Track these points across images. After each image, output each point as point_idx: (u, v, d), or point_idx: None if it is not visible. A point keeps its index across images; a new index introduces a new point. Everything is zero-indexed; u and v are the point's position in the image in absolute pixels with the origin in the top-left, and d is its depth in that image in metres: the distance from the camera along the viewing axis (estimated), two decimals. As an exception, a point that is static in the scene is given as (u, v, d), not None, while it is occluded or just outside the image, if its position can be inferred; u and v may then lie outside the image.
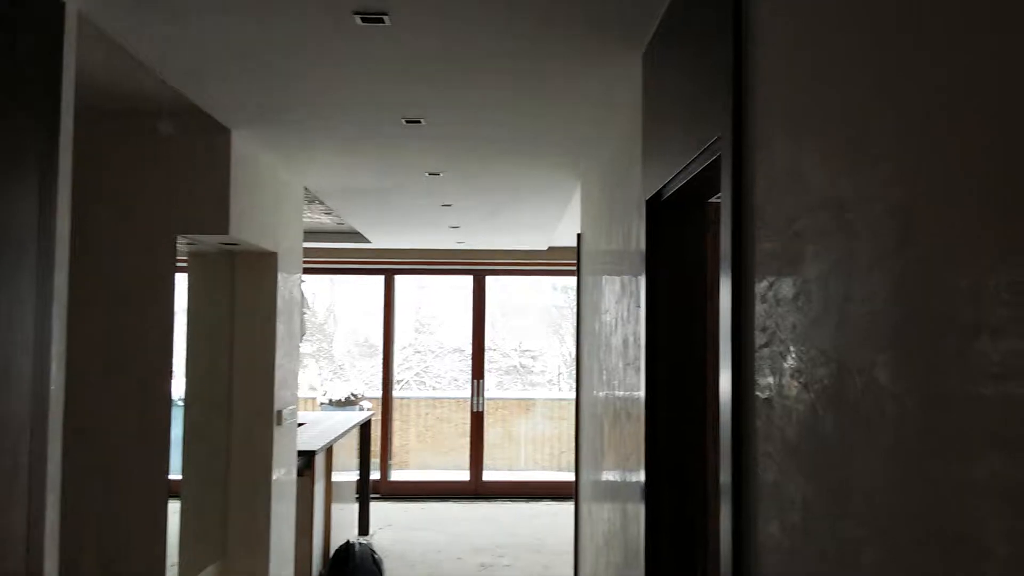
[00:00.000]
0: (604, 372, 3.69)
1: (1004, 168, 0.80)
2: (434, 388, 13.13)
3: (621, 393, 3.17)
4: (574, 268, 5.45)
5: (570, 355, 13.49)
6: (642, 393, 2.56)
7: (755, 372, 1.53)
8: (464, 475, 9.27)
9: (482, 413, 9.32)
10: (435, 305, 13.47)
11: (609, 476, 3.50)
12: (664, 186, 2.35)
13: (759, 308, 1.52)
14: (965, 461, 0.85)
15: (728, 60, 1.67)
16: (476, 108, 3.46)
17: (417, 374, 13.48)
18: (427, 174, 4.86)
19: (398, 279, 9.50)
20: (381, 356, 9.47)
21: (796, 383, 1.33)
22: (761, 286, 1.50)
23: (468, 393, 9.47)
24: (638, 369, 2.71)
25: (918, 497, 0.95)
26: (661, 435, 2.48)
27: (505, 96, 3.27)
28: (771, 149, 1.47)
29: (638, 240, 2.75)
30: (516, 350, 13.65)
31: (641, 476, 2.57)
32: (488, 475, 9.29)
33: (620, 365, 3.19)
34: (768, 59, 1.51)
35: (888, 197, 1.04)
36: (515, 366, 13.59)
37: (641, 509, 2.56)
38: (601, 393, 3.79)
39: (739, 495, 1.56)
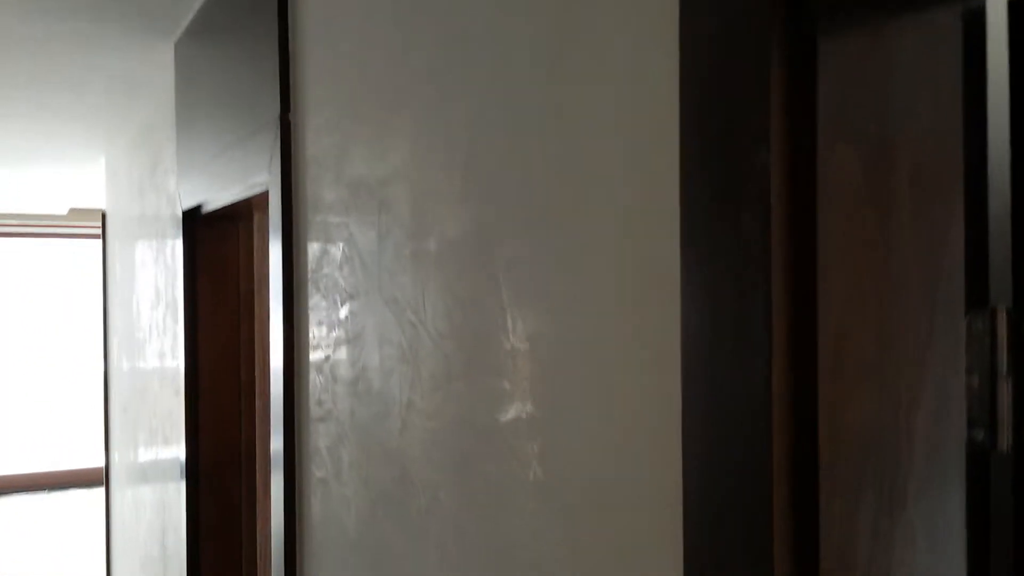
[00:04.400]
0: (137, 342, 3.33)
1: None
2: None
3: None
4: (98, 232, 4.84)
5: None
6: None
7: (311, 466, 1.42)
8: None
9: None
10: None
11: (150, 455, 3.15)
12: (203, 203, 2.12)
13: (315, 378, 1.41)
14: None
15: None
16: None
17: None
18: None
19: None
20: None
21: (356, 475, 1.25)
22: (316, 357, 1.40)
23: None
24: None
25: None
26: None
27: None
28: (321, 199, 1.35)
29: (174, 248, 2.47)
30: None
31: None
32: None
33: (154, 336, 2.90)
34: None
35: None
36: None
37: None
38: (140, 364, 3.39)
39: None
